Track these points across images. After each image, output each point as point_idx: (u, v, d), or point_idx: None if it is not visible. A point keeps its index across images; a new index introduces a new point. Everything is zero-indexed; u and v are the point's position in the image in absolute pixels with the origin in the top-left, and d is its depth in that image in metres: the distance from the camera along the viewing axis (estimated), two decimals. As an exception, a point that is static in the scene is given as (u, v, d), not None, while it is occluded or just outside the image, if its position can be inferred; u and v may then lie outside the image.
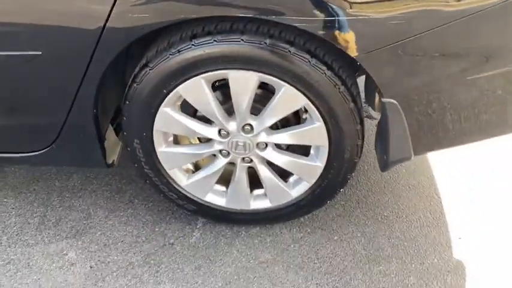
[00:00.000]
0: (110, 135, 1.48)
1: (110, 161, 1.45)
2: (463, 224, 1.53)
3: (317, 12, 1.05)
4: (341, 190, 1.42)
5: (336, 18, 1.04)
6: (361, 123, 1.26)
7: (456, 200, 1.62)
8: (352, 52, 1.09)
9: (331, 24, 1.05)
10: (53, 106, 1.29)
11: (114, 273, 1.41)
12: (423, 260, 1.41)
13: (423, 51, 1.10)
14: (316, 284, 1.36)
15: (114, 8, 1.06)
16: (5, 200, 1.69)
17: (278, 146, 1.37)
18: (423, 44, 1.09)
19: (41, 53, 1.15)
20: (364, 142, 1.31)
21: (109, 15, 1.07)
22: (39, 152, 1.41)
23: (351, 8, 1.03)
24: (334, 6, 1.04)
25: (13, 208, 1.64)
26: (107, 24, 1.08)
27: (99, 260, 1.45)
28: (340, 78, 1.18)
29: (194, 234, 1.53)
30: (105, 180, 1.75)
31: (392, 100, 1.17)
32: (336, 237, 1.50)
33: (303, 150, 1.37)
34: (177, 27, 1.16)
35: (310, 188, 1.40)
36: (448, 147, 1.35)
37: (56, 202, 1.67)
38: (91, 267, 1.44)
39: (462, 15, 1.05)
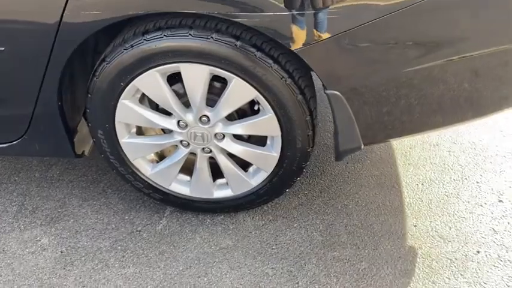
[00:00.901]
0: (83, 127, 1.55)
1: (79, 152, 1.52)
2: (420, 213, 1.58)
3: (257, 8, 1.10)
4: (297, 179, 1.48)
5: (274, 13, 1.10)
6: (311, 114, 1.31)
7: (415, 190, 1.66)
8: (291, 46, 1.15)
9: (270, 20, 1.11)
10: (20, 99, 1.36)
11: (83, 258, 1.49)
12: (376, 246, 1.47)
13: (361, 44, 1.15)
14: (272, 268, 1.43)
15: (68, 4, 1.13)
16: (-14, 189, 1.78)
17: (237, 137, 1.43)
18: (361, 37, 1.14)
19: (3, 48, 1.23)
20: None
21: (63, 11, 1.14)
22: (14, 142, 1.48)
23: (286, 3, 1.09)
24: (272, 2, 1.09)
25: (-4, 196, 1.73)
26: (62, 19, 1.15)
27: (69, 246, 1.53)
28: (286, 71, 1.23)
29: (161, 222, 1.60)
30: (82, 171, 1.83)
31: (335, 92, 1.22)
32: (295, 225, 1.56)
33: (261, 141, 1.43)
34: (130, 24, 1.22)
35: (268, 177, 1.46)
36: (398, 137, 1.40)
37: (34, 192, 1.75)
38: (61, 252, 1.51)
39: (396, 8, 1.09)
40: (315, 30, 1.12)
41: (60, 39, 1.19)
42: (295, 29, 1.12)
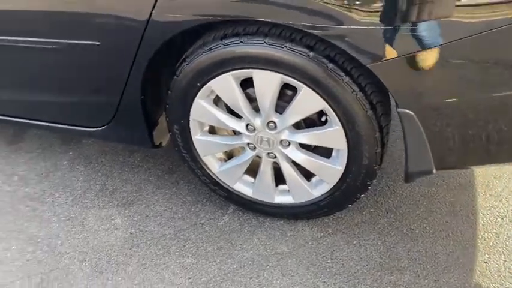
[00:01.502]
0: (163, 120, 1.66)
1: (157, 143, 1.63)
2: (494, 249, 1.45)
3: (332, 21, 1.09)
4: (361, 196, 1.44)
5: (349, 27, 1.08)
6: (381, 131, 1.27)
7: (493, 223, 1.53)
8: (365, 60, 1.12)
9: (344, 33, 1.09)
10: (109, 89, 1.49)
11: (148, 242, 1.59)
12: (438, 277, 1.38)
13: (441, 63, 1.09)
14: (323, 282, 1.41)
15: (156, 6, 1.22)
16: (77, 167, 1.98)
17: (303, 146, 1.43)
18: (440, 56, 1.08)
19: (99, 43, 1.36)
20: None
21: (151, 12, 1.23)
22: (101, 128, 1.63)
23: (364, 17, 1.06)
24: (347, 16, 1.07)
25: (81, 175, 1.92)
26: (150, 19, 1.24)
27: (138, 229, 1.65)
28: (358, 85, 1.21)
29: (223, 218, 1.66)
30: (160, 160, 1.96)
31: (408, 111, 1.17)
32: (355, 242, 1.52)
33: (327, 153, 1.42)
34: (211, 28, 1.28)
35: (330, 190, 1.44)
36: (478, 165, 1.30)
37: (116, 174, 1.91)
38: (131, 233, 1.63)
39: (484, 29, 1.02)
40: (391, 47, 1.08)
41: (146, 37, 1.28)
42: (369, 43, 1.09)
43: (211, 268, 1.48)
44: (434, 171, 1.29)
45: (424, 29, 1.05)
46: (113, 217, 1.71)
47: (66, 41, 1.39)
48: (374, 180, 1.40)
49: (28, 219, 1.72)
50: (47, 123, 1.74)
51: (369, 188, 1.41)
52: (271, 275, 1.44)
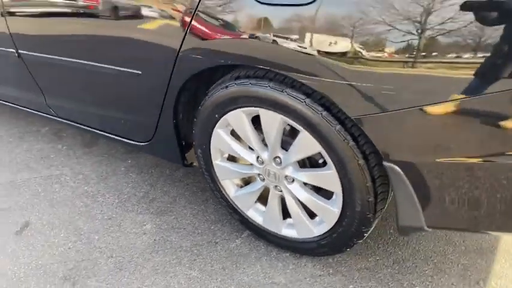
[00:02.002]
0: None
1: (188, 163, 1.81)
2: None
3: (321, 73, 1.17)
4: (357, 241, 1.46)
5: (336, 81, 1.15)
6: (373, 181, 1.30)
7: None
8: (352, 113, 1.18)
9: (333, 85, 1.16)
10: (150, 111, 1.71)
11: (166, 251, 1.77)
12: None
13: (422, 123, 1.10)
14: (307, 318, 1.45)
15: (182, 46, 1.40)
16: (130, 174, 2.25)
17: (308, 184, 1.50)
18: (423, 115, 1.09)
19: (140, 72, 1.59)
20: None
21: (179, 50, 1.42)
22: (146, 143, 1.87)
23: (349, 73, 1.13)
24: (335, 70, 1.15)
25: (131, 181, 2.18)
26: (178, 56, 1.43)
27: (162, 237, 1.83)
28: (351, 134, 1.26)
29: (236, 241, 1.77)
30: (198, 178, 2.15)
31: (393, 165, 1.19)
32: (351, 286, 1.53)
33: (329, 194, 1.47)
34: (229, 69, 1.43)
35: (329, 231, 1.48)
36: (469, 230, 1.26)
37: (159, 185, 2.14)
38: (155, 240, 1.83)
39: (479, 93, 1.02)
40: (374, 102, 1.13)
41: (176, 70, 1.47)
42: (354, 97, 1.14)
43: (212, 285, 1.60)
44: (426, 228, 1.27)
45: (405, 89, 1.08)
46: (145, 223, 1.92)
47: (118, 68, 1.65)
48: (369, 228, 1.41)
49: (79, 214, 2.00)
50: (109, 134, 2.03)
51: (365, 235, 1.43)
52: (262, 302, 1.52)
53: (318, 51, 1.14)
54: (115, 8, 1.54)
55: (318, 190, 1.49)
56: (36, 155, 2.51)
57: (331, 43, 1.12)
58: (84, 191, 2.16)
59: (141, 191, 2.11)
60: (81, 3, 1.63)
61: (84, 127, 2.13)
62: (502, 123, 1.03)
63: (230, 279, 1.61)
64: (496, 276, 1.49)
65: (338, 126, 1.25)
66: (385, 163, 1.21)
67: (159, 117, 1.69)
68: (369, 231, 1.42)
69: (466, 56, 1.00)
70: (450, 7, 0.99)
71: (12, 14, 1.89)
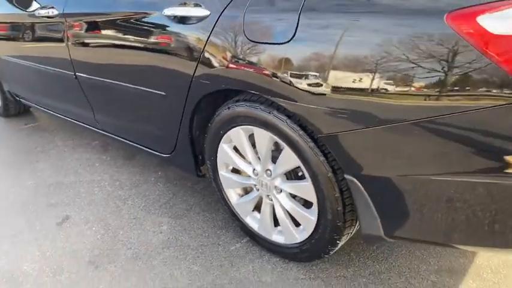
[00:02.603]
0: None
1: (202, 173, 2.11)
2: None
3: (298, 99, 1.43)
4: (332, 248, 1.66)
5: (303, 104, 1.41)
6: (341, 192, 1.52)
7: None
8: (319, 133, 1.42)
9: (302, 109, 1.42)
10: (172, 126, 2.04)
11: (176, 247, 2.04)
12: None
13: (376, 140, 1.32)
14: (283, 312, 1.65)
15: (195, 72, 1.73)
16: (158, 183, 2.58)
17: (293, 195, 1.73)
18: (374, 135, 1.32)
19: (165, 93, 1.93)
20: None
21: (193, 76, 1.74)
22: (169, 154, 2.19)
23: (317, 99, 1.38)
24: (307, 98, 1.40)
25: (158, 190, 2.51)
26: (192, 80, 1.76)
27: (175, 237, 2.12)
28: (322, 151, 1.50)
29: (236, 244, 2.02)
30: (213, 191, 2.43)
31: (352, 178, 1.42)
32: (327, 290, 1.72)
33: (309, 203, 1.69)
34: (233, 93, 1.73)
35: (308, 237, 1.70)
36: (425, 242, 1.42)
37: (181, 194, 2.45)
38: (168, 238, 2.11)
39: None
40: (332, 123, 1.37)
41: (190, 94, 1.80)
42: (318, 119, 1.40)
43: (209, 278, 1.85)
44: (384, 237, 1.47)
45: (356, 113, 1.31)
46: (162, 224, 2.22)
47: (149, 89, 2.00)
48: (343, 237, 1.61)
49: (110, 213, 2.35)
50: (141, 146, 2.38)
51: (338, 242, 1.63)
52: (247, 296, 1.75)
53: (291, 81, 1.41)
54: (149, 43, 1.90)
55: (305, 201, 1.73)
56: (83, 163, 2.92)
57: (301, 75, 1.39)
58: (118, 195, 2.51)
59: (164, 198, 2.43)
60: (126, 38, 2.02)
61: (122, 140, 2.51)
62: (441, 143, 1.23)
63: (225, 274, 1.86)
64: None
65: (311, 144, 1.50)
66: (345, 175, 1.43)
67: (178, 132, 2.01)
68: (342, 239, 1.62)
69: (406, 85, 1.22)
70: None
71: (73, 43, 2.33)
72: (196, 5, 1.68)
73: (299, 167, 1.60)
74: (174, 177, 2.63)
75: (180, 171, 2.64)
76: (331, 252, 1.70)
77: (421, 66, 1.18)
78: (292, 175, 1.70)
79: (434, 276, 1.71)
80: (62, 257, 2.03)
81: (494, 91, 1.09)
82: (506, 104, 1.09)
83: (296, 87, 1.41)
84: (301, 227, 1.75)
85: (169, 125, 2.05)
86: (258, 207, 1.91)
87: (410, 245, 1.90)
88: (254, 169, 1.79)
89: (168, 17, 1.78)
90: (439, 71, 1.15)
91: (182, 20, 1.74)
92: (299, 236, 1.74)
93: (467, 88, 1.13)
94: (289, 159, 1.60)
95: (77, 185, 2.65)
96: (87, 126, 2.71)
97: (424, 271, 1.75)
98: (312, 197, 1.60)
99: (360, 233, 1.51)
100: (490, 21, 1.08)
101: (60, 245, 2.12)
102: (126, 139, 2.48)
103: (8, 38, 2.93)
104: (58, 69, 2.55)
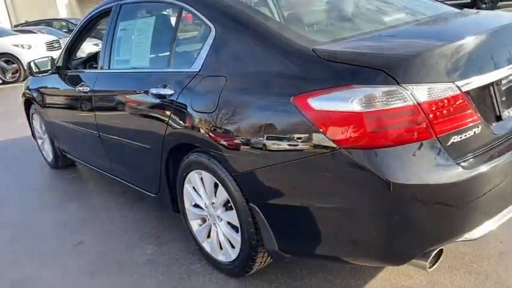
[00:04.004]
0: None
1: (177, 209, 2.77)
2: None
3: (218, 150, 2.10)
4: (253, 264, 2.21)
5: (217, 152, 2.08)
6: (253, 218, 2.11)
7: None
8: (234, 172, 2.07)
9: (224, 157, 2.09)
10: (154, 171, 2.74)
11: (151, 264, 2.67)
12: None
13: (267, 178, 1.94)
14: (213, 309, 2.20)
15: (166, 132, 2.46)
16: (153, 221, 3.26)
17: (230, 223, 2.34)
18: (266, 174, 1.94)
19: (150, 147, 2.67)
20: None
21: (165, 134, 2.47)
22: (156, 194, 2.89)
23: (224, 147, 2.04)
24: (216, 145, 2.07)
25: (152, 224, 3.18)
26: (165, 135, 2.48)
27: (154, 258, 2.75)
28: (239, 187, 2.12)
29: (196, 264, 2.61)
30: (194, 227, 3.07)
31: (253, 205, 2.03)
32: (250, 297, 2.25)
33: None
34: (192, 146, 2.43)
35: (238, 255, 2.27)
36: (312, 254, 1.96)
37: (168, 230, 3.10)
38: (149, 259, 2.75)
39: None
40: (235, 165, 2.02)
41: (164, 147, 2.51)
42: (228, 162, 2.05)
43: (169, 284, 2.44)
44: (280, 252, 2.03)
45: (253, 158, 1.95)
46: (148, 249, 2.86)
47: (142, 144, 2.75)
48: (259, 254, 2.18)
49: (116, 237, 3.04)
50: (139, 188, 3.10)
51: (256, 259, 2.19)
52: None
53: (215, 138, 2.09)
54: (142, 111, 2.67)
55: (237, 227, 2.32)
56: (105, 204, 3.68)
57: (222, 133, 2.07)
58: (124, 227, 3.21)
59: (155, 230, 3.09)
60: (128, 108, 2.82)
61: (128, 184, 3.25)
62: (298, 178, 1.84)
63: (180, 284, 2.44)
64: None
65: (233, 182, 2.14)
66: (250, 204, 2.05)
67: (160, 175, 2.72)
68: (258, 256, 2.18)
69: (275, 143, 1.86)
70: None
71: (98, 111, 3.18)
72: (166, 86, 2.45)
73: (228, 199, 2.23)
74: (168, 217, 3.29)
75: (173, 214, 3.31)
76: (254, 267, 2.25)
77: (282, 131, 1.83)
78: (227, 206, 2.32)
79: (333, 291, 2.20)
80: (67, 265, 2.72)
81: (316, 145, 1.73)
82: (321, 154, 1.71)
83: (219, 142, 2.09)
84: (235, 248, 2.34)
85: (154, 170, 2.77)
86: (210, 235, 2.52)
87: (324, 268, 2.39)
88: (205, 203, 2.43)
89: (153, 94, 2.56)
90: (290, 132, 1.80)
91: (160, 96, 2.50)
92: (233, 254, 2.32)
93: (307, 142, 1.76)
94: (222, 193, 2.24)
95: (97, 218, 3.39)
96: (107, 174, 3.50)
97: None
98: (237, 222, 2.20)
99: (265, 248, 2.08)
100: (314, 102, 1.73)
101: (70, 260, 2.82)
102: (130, 183, 3.21)
103: (56, 106, 3.88)
104: (88, 130, 3.40)
